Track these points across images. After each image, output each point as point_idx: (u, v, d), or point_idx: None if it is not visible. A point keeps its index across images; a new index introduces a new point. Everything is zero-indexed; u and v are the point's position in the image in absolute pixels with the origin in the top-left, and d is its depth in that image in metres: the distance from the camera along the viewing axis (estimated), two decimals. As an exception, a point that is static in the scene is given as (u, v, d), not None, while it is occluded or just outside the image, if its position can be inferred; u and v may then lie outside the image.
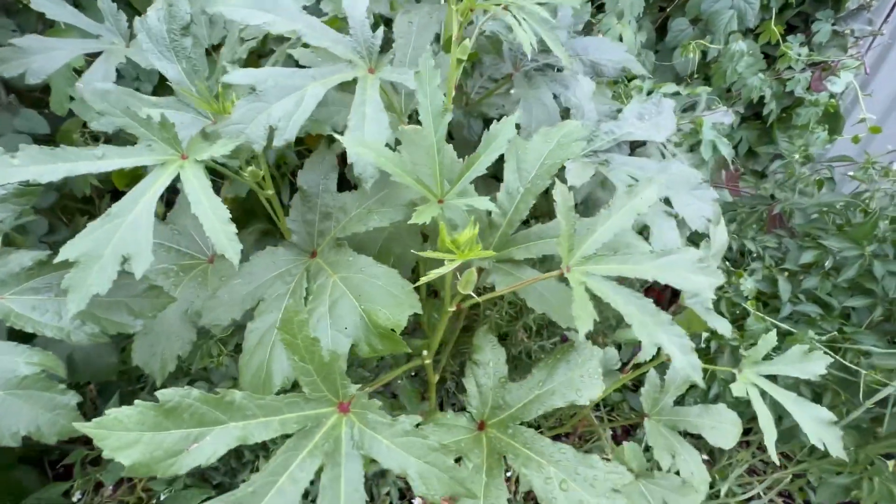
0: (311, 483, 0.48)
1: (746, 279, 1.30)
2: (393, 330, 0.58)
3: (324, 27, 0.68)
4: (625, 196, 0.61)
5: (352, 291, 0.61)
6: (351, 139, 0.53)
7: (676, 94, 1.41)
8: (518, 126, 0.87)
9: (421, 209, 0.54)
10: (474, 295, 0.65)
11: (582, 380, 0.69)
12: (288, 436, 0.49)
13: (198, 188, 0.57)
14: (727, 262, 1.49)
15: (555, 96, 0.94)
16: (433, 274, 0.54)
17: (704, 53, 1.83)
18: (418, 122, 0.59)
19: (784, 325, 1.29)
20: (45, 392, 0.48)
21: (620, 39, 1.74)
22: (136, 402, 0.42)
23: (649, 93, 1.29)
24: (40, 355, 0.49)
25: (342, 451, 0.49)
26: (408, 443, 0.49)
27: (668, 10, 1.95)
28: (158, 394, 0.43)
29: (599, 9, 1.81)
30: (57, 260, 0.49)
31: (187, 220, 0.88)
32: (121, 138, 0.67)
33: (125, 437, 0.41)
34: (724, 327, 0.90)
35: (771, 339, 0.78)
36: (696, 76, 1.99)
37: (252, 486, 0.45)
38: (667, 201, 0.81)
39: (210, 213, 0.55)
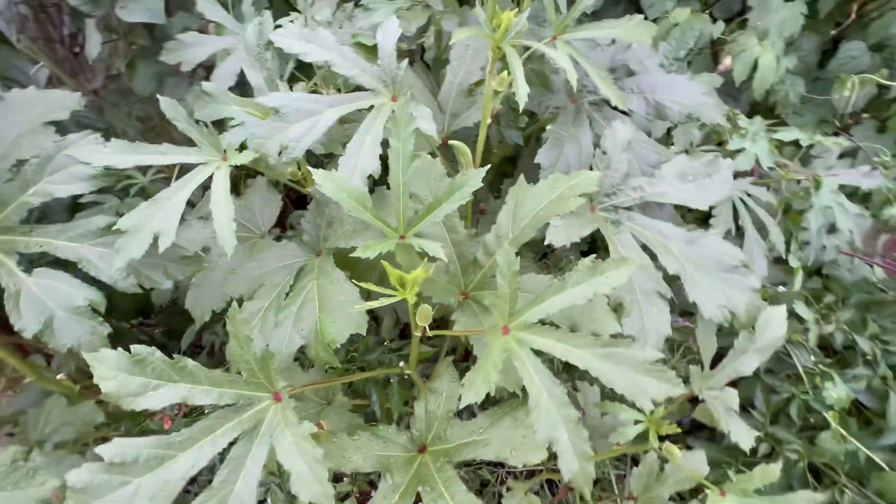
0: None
1: (836, 385, 1.05)
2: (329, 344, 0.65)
3: (355, 57, 0.75)
4: (586, 270, 0.57)
5: (319, 299, 0.69)
6: (322, 174, 0.60)
7: (798, 143, 1.17)
8: (539, 165, 0.84)
9: (372, 243, 0.58)
10: (428, 328, 0.68)
11: (523, 441, 0.67)
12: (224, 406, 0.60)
13: (220, 188, 0.70)
14: (827, 355, 1.20)
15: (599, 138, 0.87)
16: (370, 304, 0.59)
17: (884, 87, 1.45)
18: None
19: (878, 457, 1.01)
20: (90, 320, 0.67)
21: (755, 66, 1.48)
22: (119, 348, 0.57)
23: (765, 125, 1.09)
24: (94, 294, 0.68)
25: (259, 433, 0.59)
26: (302, 446, 0.56)
27: (840, 28, 1.57)
28: (132, 347, 0.57)
29: (743, 25, 1.54)
30: (114, 228, 0.67)
31: (255, 199, 1.06)
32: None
33: (107, 371, 0.56)
34: (743, 438, 0.77)
35: (771, 472, 0.65)
36: (864, 116, 1.58)
37: (181, 437, 0.57)
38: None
39: (222, 210, 0.68)
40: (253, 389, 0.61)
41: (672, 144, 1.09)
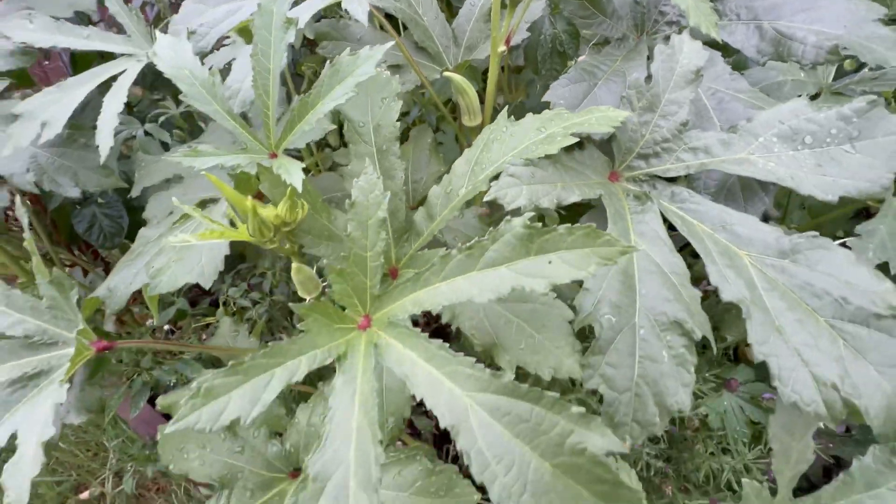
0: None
1: None
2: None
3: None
4: (516, 241, 0.29)
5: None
6: (166, 42, 0.41)
7: None
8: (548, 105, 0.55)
9: (209, 151, 0.38)
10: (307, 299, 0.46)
11: None
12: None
13: (122, 85, 0.57)
14: None
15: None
16: (188, 239, 0.39)
17: None
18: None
19: None
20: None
21: None
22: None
23: None
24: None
25: (39, 386, 0.43)
26: (45, 426, 0.38)
27: None
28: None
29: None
30: (10, 111, 0.58)
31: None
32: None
33: None
34: None
35: None
36: None
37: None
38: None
39: (111, 108, 0.55)
40: (59, 326, 0.46)
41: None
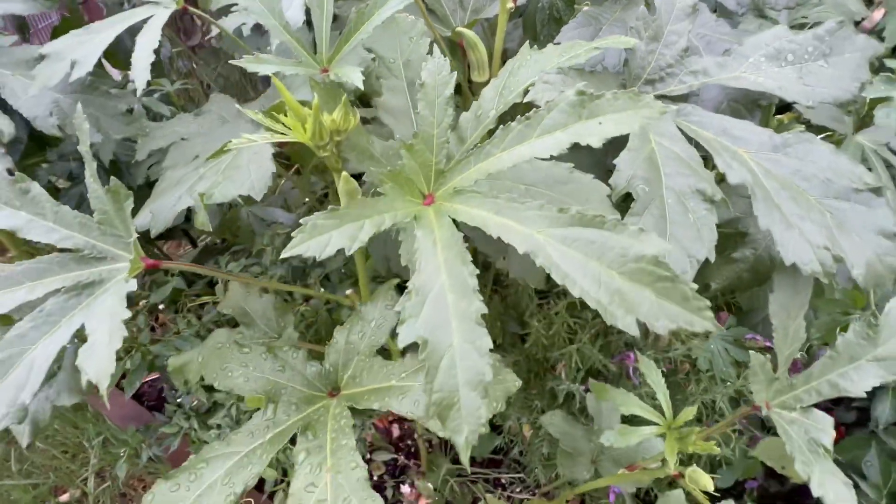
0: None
1: None
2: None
3: None
4: (569, 110, 0.34)
5: (235, 156, 0.54)
6: None
7: None
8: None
9: (264, 59, 0.42)
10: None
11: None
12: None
13: (154, 26, 0.59)
14: None
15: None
16: (243, 141, 0.41)
17: None
18: None
19: None
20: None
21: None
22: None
23: None
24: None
25: (94, 294, 0.44)
26: (115, 318, 0.40)
27: None
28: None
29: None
30: (38, 53, 0.59)
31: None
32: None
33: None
34: (837, 499, 0.46)
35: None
36: None
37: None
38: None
39: (145, 47, 0.57)
40: (107, 242, 0.47)
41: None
